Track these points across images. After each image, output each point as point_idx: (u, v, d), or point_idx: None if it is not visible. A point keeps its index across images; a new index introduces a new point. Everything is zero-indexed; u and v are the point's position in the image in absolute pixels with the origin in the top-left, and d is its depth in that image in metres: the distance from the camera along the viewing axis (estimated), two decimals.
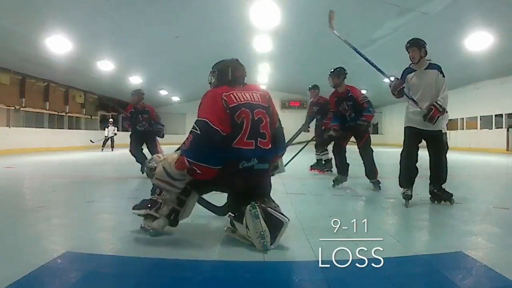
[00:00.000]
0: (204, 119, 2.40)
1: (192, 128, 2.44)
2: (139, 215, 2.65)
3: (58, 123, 18.76)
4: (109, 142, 17.27)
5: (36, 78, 16.56)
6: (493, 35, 11.38)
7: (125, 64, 16.03)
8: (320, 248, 2.34)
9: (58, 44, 12.34)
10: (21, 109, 16.04)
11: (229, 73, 2.70)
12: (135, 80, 18.76)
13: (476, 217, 3.42)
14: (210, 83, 2.78)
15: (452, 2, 9.46)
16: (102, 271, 1.98)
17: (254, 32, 13.26)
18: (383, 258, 2.18)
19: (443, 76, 3.94)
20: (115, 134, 17.31)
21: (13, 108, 15.53)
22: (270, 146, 2.57)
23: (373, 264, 2.07)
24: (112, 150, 16.92)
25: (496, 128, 16.61)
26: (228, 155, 2.43)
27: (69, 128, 18.95)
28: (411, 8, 10.23)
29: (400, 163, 4.17)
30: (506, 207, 3.76)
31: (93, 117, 21.64)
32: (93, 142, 17.32)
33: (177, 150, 2.80)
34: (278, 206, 2.57)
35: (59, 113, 18.55)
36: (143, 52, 14.54)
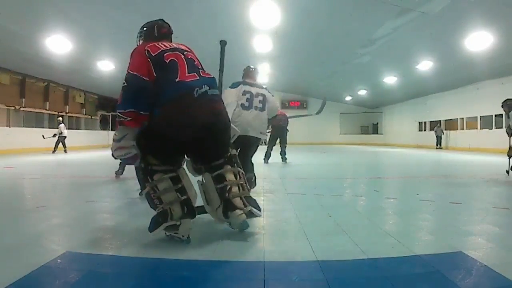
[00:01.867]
0: (131, 72, 2.46)
1: (122, 84, 2.50)
2: (165, 234, 2.54)
3: (58, 123, 18.76)
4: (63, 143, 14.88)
5: (36, 78, 16.59)
6: (493, 35, 11.39)
7: (125, 64, 15.82)
8: (320, 248, 2.35)
9: (58, 44, 12.36)
10: (21, 109, 16.05)
11: (155, 30, 2.85)
12: None
13: (476, 217, 3.42)
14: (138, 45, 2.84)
15: (452, 2, 9.47)
16: (102, 271, 1.99)
17: (254, 32, 13.26)
18: (383, 258, 2.18)
19: None
20: (61, 133, 14.73)
21: (13, 108, 15.54)
22: (212, 75, 2.70)
23: (373, 264, 2.07)
24: (60, 152, 14.46)
25: (496, 128, 16.62)
26: (178, 89, 2.44)
27: (69, 128, 18.94)
28: (411, 8, 10.23)
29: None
30: (506, 207, 3.76)
31: (93, 117, 21.66)
32: (44, 138, 14.33)
33: None
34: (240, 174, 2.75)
35: (59, 113, 18.57)
36: None
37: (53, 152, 14.47)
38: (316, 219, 3.26)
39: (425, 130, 22.85)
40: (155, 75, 2.46)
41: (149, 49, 2.53)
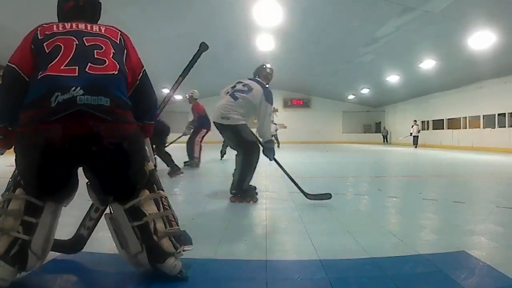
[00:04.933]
0: (12, 65, 1.70)
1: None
2: None
3: None
4: None
5: None
6: (496, 34, 11.35)
7: None
8: (322, 247, 2.34)
9: None
10: None
11: (58, 8, 2.01)
12: None
13: (479, 216, 3.41)
14: None
15: (455, 0, 9.43)
16: (104, 270, 1.99)
17: (257, 30, 13.27)
18: (386, 257, 2.17)
19: None
20: None
21: None
22: (115, 72, 1.71)
23: (375, 264, 2.06)
24: None
25: (499, 127, 16.57)
26: (36, 90, 1.60)
27: None
28: (414, 7, 10.21)
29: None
30: (509, 206, 3.74)
31: None
32: None
33: None
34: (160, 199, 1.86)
35: None
36: (146, 50, 14.44)
37: None
38: (318, 218, 3.26)
39: (427, 129, 22.79)
40: (33, 65, 1.70)
41: (40, 30, 1.77)
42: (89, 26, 1.84)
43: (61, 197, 1.77)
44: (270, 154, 4.07)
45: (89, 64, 1.65)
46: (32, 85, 1.63)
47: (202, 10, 11.21)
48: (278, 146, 19.64)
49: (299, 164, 9.96)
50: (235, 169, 4.09)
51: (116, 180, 1.75)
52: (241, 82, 4.19)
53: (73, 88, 1.54)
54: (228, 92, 4.11)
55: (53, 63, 1.62)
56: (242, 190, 3.99)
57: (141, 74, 1.94)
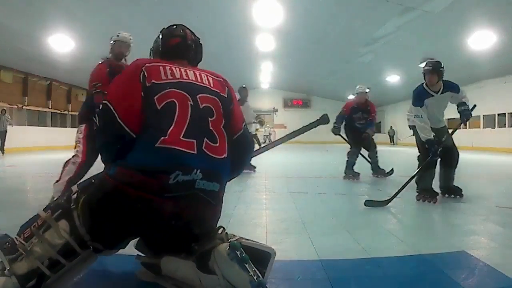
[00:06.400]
0: (108, 104, 1.55)
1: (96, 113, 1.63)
2: None
3: (60, 121, 18.88)
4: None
5: (39, 76, 16.66)
6: (496, 34, 11.36)
7: (128, 63, 16.09)
8: (322, 247, 2.34)
9: (60, 43, 12.41)
10: (24, 107, 16.12)
11: (159, 42, 1.89)
12: None
13: (479, 216, 3.41)
14: None
15: (454, 0, 9.44)
16: (104, 269, 1.98)
17: (257, 30, 13.27)
18: (386, 257, 2.17)
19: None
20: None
21: (15, 106, 15.62)
22: (225, 155, 1.62)
23: (376, 263, 2.06)
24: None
25: (499, 127, 16.57)
26: (150, 160, 1.45)
27: (71, 127, 18.99)
28: (414, 7, 10.21)
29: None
30: (509, 206, 3.74)
31: None
32: None
33: None
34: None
35: (62, 112, 18.67)
36: (146, 51, 14.58)
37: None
38: (318, 218, 3.26)
39: None
40: (143, 124, 1.53)
41: (147, 72, 1.60)
42: (197, 74, 1.73)
43: (104, 251, 1.58)
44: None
45: (205, 140, 1.56)
46: (145, 147, 1.48)
47: (202, 10, 11.21)
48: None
49: (299, 164, 9.96)
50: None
51: (187, 246, 1.61)
52: None
53: (194, 171, 1.47)
54: None
55: (171, 129, 1.50)
56: (422, 190, 4.13)
57: (241, 131, 1.80)
